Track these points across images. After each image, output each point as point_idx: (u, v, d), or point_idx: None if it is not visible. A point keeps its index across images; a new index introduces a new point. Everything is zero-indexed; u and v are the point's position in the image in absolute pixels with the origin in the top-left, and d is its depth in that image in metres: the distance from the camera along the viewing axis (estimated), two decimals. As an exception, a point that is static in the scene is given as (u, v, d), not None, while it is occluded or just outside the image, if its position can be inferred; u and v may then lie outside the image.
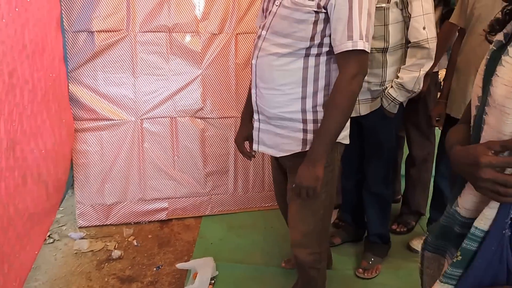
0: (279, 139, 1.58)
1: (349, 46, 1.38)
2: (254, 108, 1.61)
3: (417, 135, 2.46)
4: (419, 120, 2.43)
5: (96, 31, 2.32)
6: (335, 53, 1.43)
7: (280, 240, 2.46)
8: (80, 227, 2.54)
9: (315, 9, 1.39)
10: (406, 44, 1.93)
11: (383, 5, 1.81)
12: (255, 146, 1.67)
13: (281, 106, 1.52)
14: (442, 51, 2.25)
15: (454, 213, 0.93)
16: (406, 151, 2.65)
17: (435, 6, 2.08)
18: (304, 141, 1.54)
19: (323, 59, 1.47)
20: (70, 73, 2.34)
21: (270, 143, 1.61)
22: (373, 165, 2.14)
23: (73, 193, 2.59)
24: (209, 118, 2.60)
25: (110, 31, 2.35)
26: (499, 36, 0.91)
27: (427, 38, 1.85)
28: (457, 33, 2.20)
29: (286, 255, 2.29)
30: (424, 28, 1.84)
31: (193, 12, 2.43)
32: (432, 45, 1.87)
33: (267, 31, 1.49)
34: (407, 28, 1.90)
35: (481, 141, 0.87)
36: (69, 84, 2.35)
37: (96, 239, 2.46)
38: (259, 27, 1.56)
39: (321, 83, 1.49)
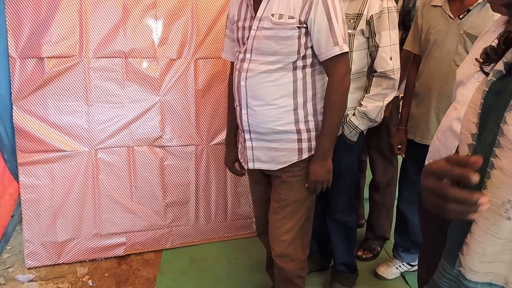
0: (274, 152, 1.67)
1: (337, 51, 1.55)
2: (245, 128, 1.69)
3: (380, 160, 2.46)
4: (381, 145, 2.43)
5: (46, 57, 2.19)
6: (321, 60, 1.59)
7: (246, 271, 2.37)
8: (29, 268, 2.34)
9: (298, 25, 1.53)
10: (369, 72, 1.94)
11: (349, 31, 1.82)
12: (250, 165, 1.73)
13: (275, 120, 1.61)
14: (403, 77, 2.28)
15: (458, 276, 0.79)
16: (369, 175, 2.65)
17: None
18: (300, 150, 1.66)
19: (308, 71, 1.61)
20: (17, 102, 2.19)
21: (266, 158, 1.70)
22: (335, 192, 2.10)
23: (21, 231, 2.40)
24: (168, 146, 2.50)
25: (62, 57, 2.22)
26: (499, 66, 0.84)
27: (393, 69, 1.86)
28: (412, 59, 2.23)
29: (253, 287, 2.20)
30: (391, 59, 1.85)
31: (150, 36, 2.34)
32: (397, 76, 1.89)
33: (251, 54, 1.60)
34: (370, 56, 1.92)
35: (488, 189, 0.76)
36: (16, 114, 2.19)
37: (47, 280, 2.27)
38: (239, 52, 1.66)
39: (309, 93, 1.63)
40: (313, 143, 1.66)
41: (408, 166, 2.24)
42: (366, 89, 1.94)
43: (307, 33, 1.56)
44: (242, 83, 1.62)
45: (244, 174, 1.96)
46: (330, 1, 1.53)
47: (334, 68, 1.59)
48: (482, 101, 0.82)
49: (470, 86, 1.34)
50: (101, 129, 2.36)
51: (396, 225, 2.44)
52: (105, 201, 2.43)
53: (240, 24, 1.67)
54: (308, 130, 1.65)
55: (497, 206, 0.73)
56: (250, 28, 1.61)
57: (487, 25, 1.78)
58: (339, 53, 1.55)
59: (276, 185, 1.74)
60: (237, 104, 1.70)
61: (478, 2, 1.82)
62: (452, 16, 1.89)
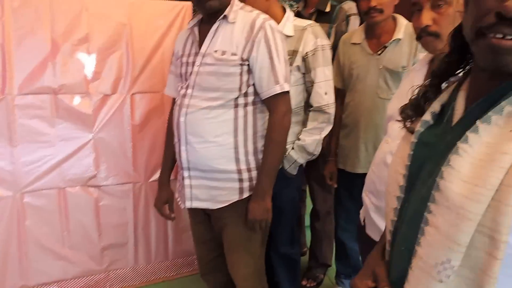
0: (214, 191, 1.64)
1: (277, 89, 1.57)
2: (184, 165, 1.64)
3: (319, 189, 2.51)
4: (320, 176, 2.49)
5: (-37, 95, 1.98)
6: (263, 98, 1.60)
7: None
8: None
9: (240, 62, 1.54)
10: (306, 106, 1.99)
11: None
12: (187, 204, 1.68)
13: (216, 158, 1.59)
14: (340, 109, 2.37)
15: None
16: (309, 203, 2.69)
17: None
18: (241, 190, 1.64)
19: (250, 109, 1.61)
20: None
21: (205, 196, 1.66)
22: (278, 226, 2.11)
23: None
24: (103, 186, 2.35)
25: (-19, 95, 2.03)
26: (426, 116, 0.82)
27: (328, 103, 1.93)
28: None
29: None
30: (325, 94, 1.92)
31: (82, 71, 2.22)
32: (332, 110, 1.97)
33: (193, 89, 1.59)
34: (306, 91, 1.97)
35: (422, 246, 0.72)
36: None
37: None
38: (181, 88, 1.64)
39: (250, 132, 1.62)
40: (255, 182, 1.65)
41: (341, 194, 2.32)
42: (304, 123, 2.00)
43: (249, 71, 1.58)
44: (182, 119, 1.59)
45: (174, 219, 1.94)
46: (272, 40, 1.56)
47: (275, 107, 1.60)
48: (411, 152, 0.80)
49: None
50: (27, 171, 2.16)
51: (336, 252, 2.49)
52: (33, 249, 2.22)
53: (184, 59, 1.66)
54: (249, 170, 1.63)
55: (430, 267, 0.69)
56: (193, 63, 1.60)
57: (401, 60, 1.94)
58: (280, 91, 1.57)
59: (221, 226, 1.71)
60: (177, 140, 1.66)
61: (393, 39, 1.96)
62: (371, 52, 2.02)
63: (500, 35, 0.64)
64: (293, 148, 1.95)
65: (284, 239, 2.14)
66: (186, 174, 1.65)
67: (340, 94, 2.22)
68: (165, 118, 2.37)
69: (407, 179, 0.80)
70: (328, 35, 2.27)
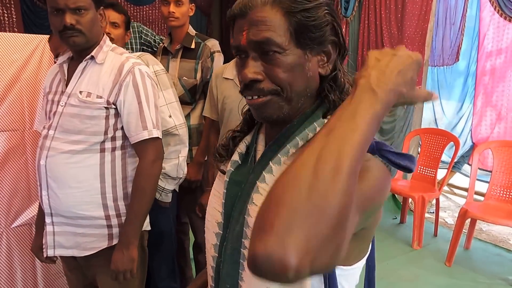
0: (80, 238, 1.56)
1: (145, 135, 1.52)
2: (47, 211, 1.56)
3: (200, 222, 2.50)
4: (202, 204, 2.48)
5: None
6: (132, 142, 1.54)
7: None
8: None
9: (105, 105, 1.49)
10: None
11: None
12: (50, 252, 1.59)
13: (80, 204, 1.51)
14: (215, 140, 2.40)
15: None
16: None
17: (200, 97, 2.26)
18: (110, 236, 1.57)
19: (118, 153, 1.55)
20: None
21: (70, 244, 1.57)
22: (156, 260, 2.07)
23: None
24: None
25: None
26: (235, 157, 0.90)
27: (175, 125, 1.96)
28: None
29: None
30: (170, 116, 1.93)
31: None
32: (182, 131, 1.99)
33: (55, 131, 1.50)
34: None
35: (245, 281, 0.78)
36: None
37: None
38: (44, 128, 1.56)
39: (118, 177, 1.56)
40: None
41: None
42: None
43: (117, 114, 1.52)
44: (42, 162, 1.51)
45: (54, 262, 1.76)
46: (142, 85, 1.53)
47: (143, 152, 1.55)
48: (225, 191, 0.86)
49: None
50: None
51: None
52: None
53: (50, 97, 1.57)
54: (119, 215, 1.57)
55: None
56: (58, 103, 1.52)
57: None
58: (147, 137, 1.53)
59: (93, 274, 1.64)
60: (38, 184, 1.55)
61: None
62: None
63: (249, 97, 0.79)
64: None
65: (164, 273, 2.10)
66: (48, 220, 1.56)
67: (214, 125, 2.25)
68: (26, 157, 2.22)
69: (224, 216, 0.85)
70: (195, 71, 2.32)
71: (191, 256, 2.80)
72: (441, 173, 4.06)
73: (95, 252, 1.57)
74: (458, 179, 4.94)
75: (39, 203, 1.76)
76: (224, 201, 0.86)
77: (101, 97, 1.48)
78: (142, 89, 1.53)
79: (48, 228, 1.57)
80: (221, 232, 0.85)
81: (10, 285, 2.27)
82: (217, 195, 0.90)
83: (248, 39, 0.77)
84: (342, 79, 0.82)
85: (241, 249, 0.79)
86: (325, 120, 0.80)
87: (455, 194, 5.01)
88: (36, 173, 1.57)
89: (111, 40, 2.08)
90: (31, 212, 2.26)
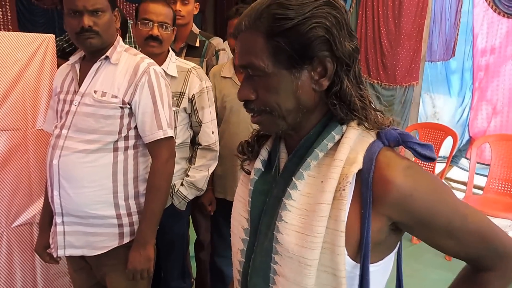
0: (91, 237, 1.55)
1: (160, 134, 1.53)
2: (57, 211, 1.54)
3: (202, 220, 2.52)
4: (200, 205, 2.49)
5: None
6: (145, 142, 1.55)
7: None
8: None
9: (120, 105, 1.48)
10: (192, 144, 2.05)
11: (174, 108, 1.88)
12: (60, 252, 1.58)
13: (93, 204, 1.50)
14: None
15: None
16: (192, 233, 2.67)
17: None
18: (121, 235, 1.56)
19: (130, 153, 1.55)
20: None
21: (81, 243, 1.56)
22: (169, 261, 2.12)
23: None
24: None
25: None
26: (257, 164, 0.89)
27: (215, 142, 2.00)
28: None
29: None
30: (212, 133, 1.97)
31: None
32: (218, 148, 2.03)
33: (68, 130, 1.50)
34: (191, 128, 2.02)
35: None
36: None
37: None
38: (56, 127, 1.55)
39: (130, 176, 1.56)
40: (136, 227, 1.59)
41: (220, 223, 2.35)
42: (190, 160, 2.03)
43: (131, 114, 1.53)
44: (55, 161, 1.50)
45: (58, 262, 1.76)
46: (156, 86, 1.53)
47: (157, 152, 1.56)
48: (250, 199, 0.87)
49: None
50: None
51: (211, 278, 2.49)
52: None
53: (62, 96, 1.57)
54: (130, 214, 1.57)
55: None
56: (71, 102, 1.52)
57: None
58: (162, 137, 1.54)
59: (103, 274, 1.63)
60: (49, 184, 1.54)
61: None
62: None
63: (249, 114, 0.82)
64: (182, 185, 1.96)
65: (175, 273, 2.18)
66: (59, 220, 1.55)
67: None
68: (28, 157, 2.21)
69: (250, 224, 0.86)
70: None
71: (191, 254, 2.80)
72: (438, 167, 4.10)
73: (106, 251, 1.57)
74: (455, 173, 4.98)
75: (44, 203, 1.76)
76: (249, 209, 0.86)
77: (116, 97, 1.49)
78: (157, 89, 1.54)
79: (59, 228, 1.56)
80: (248, 238, 0.86)
81: (9, 285, 2.27)
82: (241, 201, 0.90)
83: (238, 61, 0.80)
84: (348, 93, 0.77)
85: (271, 264, 0.79)
86: (344, 127, 0.79)
87: (452, 188, 5.06)
88: (47, 173, 1.55)
89: (182, 17, 2.18)
90: (32, 211, 2.25)
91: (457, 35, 4.59)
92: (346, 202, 0.73)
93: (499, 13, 4.01)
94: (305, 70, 0.76)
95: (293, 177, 0.79)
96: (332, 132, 0.78)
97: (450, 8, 4.53)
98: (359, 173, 0.74)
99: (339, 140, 0.78)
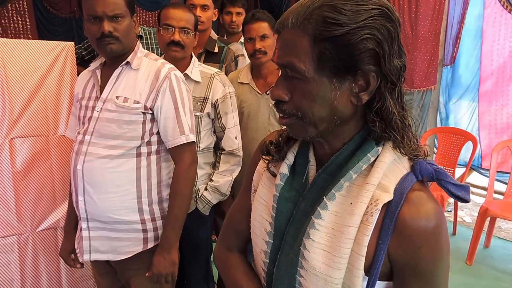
0: (116, 242, 1.56)
1: (183, 140, 1.54)
2: (82, 216, 1.55)
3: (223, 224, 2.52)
4: (224, 210, 2.50)
5: None
6: (168, 147, 1.56)
7: None
8: None
9: (143, 111, 1.49)
10: (215, 148, 2.05)
11: (197, 113, 1.90)
12: (86, 257, 1.59)
13: (117, 209, 1.51)
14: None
15: None
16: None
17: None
18: (145, 240, 1.57)
19: (153, 158, 1.56)
20: None
21: (106, 248, 1.58)
22: (193, 265, 2.12)
23: None
24: (-19, 242, 2.12)
25: None
26: (283, 169, 0.87)
27: (239, 147, 2.02)
28: None
29: None
30: (236, 138, 1.98)
31: (-50, 118, 2.01)
32: (241, 153, 2.04)
33: (91, 136, 1.50)
34: (214, 134, 2.03)
35: None
36: None
37: None
38: (79, 133, 1.56)
39: (154, 181, 1.56)
40: (160, 232, 1.60)
41: None
42: (214, 165, 2.04)
43: (153, 119, 1.53)
44: (79, 167, 1.51)
45: (83, 267, 1.77)
46: (178, 91, 1.54)
47: (180, 157, 1.57)
48: (275, 205, 0.85)
49: None
50: None
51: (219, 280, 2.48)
52: None
53: (84, 102, 1.58)
54: (154, 219, 1.58)
55: None
56: (93, 108, 1.53)
57: None
58: (185, 142, 1.55)
59: (127, 278, 1.65)
60: (74, 190, 1.55)
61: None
62: (260, 92, 2.11)
63: (279, 115, 0.79)
64: (206, 189, 1.97)
65: (199, 277, 2.17)
66: (84, 225, 1.56)
67: None
68: (51, 162, 2.24)
69: (274, 228, 0.85)
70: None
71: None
72: (458, 172, 4.04)
73: (130, 256, 1.58)
74: (474, 178, 4.91)
75: (68, 208, 1.77)
76: (274, 215, 0.85)
77: (138, 102, 1.49)
78: (179, 94, 1.54)
79: (84, 233, 1.57)
80: (272, 241, 0.85)
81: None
82: (264, 204, 0.88)
83: (277, 58, 0.76)
84: (391, 111, 0.74)
85: (296, 276, 0.80)
86: (379, 149, 0.77)
87: (472, 192, 4.98)
88: (72, 178, 1.57)
89: (201, 23, 2.19)
90: (56, 216, 2.29)
91: (459, 38, 4.44)
92: (371, 228, 0.73)
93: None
94: (347, 82, 0.73)
95: (324, 197, 0.78)
96: (368, 154, 0.77)
97: (455, 10, 4.42)
98: (387, 203, 0.74)
99: (373, 162, 0.77)
